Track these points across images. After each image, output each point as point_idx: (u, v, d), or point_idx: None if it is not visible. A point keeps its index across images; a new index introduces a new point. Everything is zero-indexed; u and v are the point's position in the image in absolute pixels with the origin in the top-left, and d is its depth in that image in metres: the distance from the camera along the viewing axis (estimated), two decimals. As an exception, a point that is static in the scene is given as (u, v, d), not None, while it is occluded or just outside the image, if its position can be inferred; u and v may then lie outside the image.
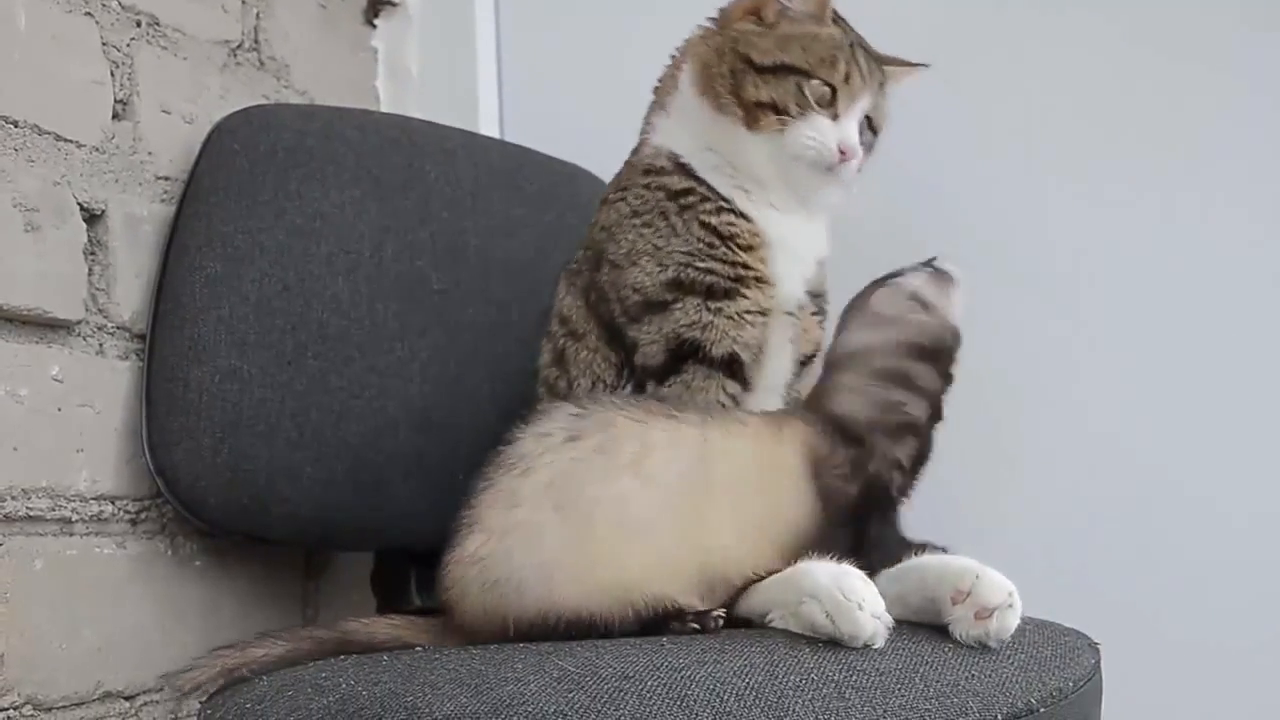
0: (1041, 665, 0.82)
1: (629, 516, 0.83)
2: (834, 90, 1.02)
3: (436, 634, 0.90)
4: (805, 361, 1.08)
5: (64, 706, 1.00)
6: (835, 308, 1.09)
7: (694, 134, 1.05)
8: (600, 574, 0.83)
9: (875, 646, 0.79)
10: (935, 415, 0.95)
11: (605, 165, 1.40)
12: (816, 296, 1.08)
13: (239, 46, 1.26)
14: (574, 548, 0.83)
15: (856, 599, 0.80)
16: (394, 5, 1.50)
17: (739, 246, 1.02)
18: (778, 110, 1.01)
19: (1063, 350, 1.26)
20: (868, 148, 1.07)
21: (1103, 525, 1.22)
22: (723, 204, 1.03)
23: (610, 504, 0.83)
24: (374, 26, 1.49)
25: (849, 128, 1.03)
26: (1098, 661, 0.87)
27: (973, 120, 1.31)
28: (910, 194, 1.32)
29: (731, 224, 1.02)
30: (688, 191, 1.03)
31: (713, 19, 1.08)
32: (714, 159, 1.04)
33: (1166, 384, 1.22)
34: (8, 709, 0.95)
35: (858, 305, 0.97)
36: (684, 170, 1.04)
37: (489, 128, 1.50)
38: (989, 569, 0.84)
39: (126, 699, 1.06)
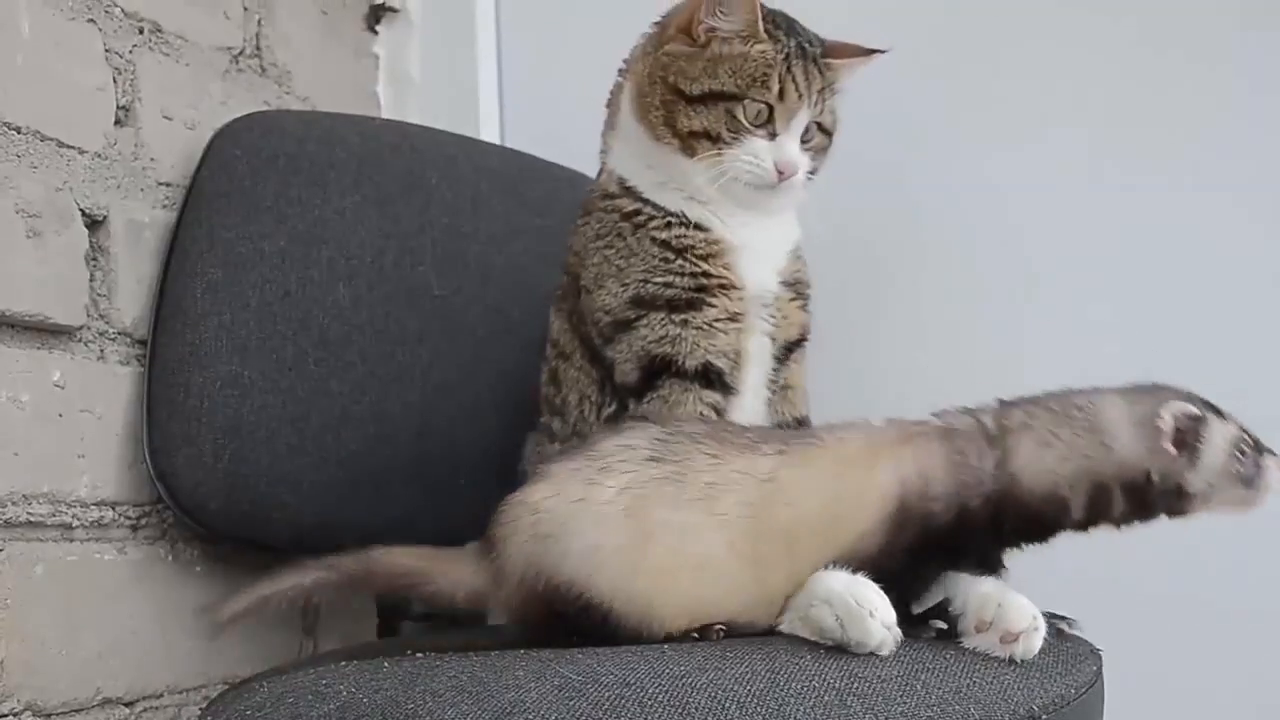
0: (1043, 672, 0.82)
1: (688, 549, 0.84)
2: (770, 108, 1.01)
3: (465, 566, 0.90)
4: (791, 348, 1.07)
5: (64, 712, 1.00)
6: (826, 295, 1.10)
7: (637, 155, 1.05)
8: (640, 585, 0.84)
9: (882, 655, 0.79)
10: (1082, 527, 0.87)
11: (606, 172, 1.41)
12: (794, 285, 1.07)
13: (241, 53, 1.26)
14: (628, 551, 0.84)
15: (869, 606, 0.80)
16: (395, 11, 1.50)
17: (697, 257, 1.02)
18: (712, 138, 1.01)
19: (1064, 350, 1.25)
20: (818, 151, 1.06)
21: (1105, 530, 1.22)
22: (672, 219, 1.03)
23: (674, 531, 0.84)
24: (375, 33, 1.49)
25: (787, 146, 1.02)
26: (1099, 668, 0.87)
27: (974, 118, 1.30)
28: (914, 192, 1.32)
29: (684, 237, 1.03)
30: (637, 212, 1.04)
31: (656, 24, 1.07)
32: (658, 176, 1.04)
33: (1162, 366, 1.21)
34: (7, 715, 0.95)
35: (1142, 401, 0.87)
36: (630, 193, 1.05)
37: (490, 134, 1.50)
38: (1010, 593, 0.84)
39: (126, 705, 1.06)
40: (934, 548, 0.84)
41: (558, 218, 1.34)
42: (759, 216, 1.05)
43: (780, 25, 1.04)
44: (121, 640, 1.05)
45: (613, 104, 1.10)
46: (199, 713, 0.88)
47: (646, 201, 1.04)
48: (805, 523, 0.84)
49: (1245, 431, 0.87)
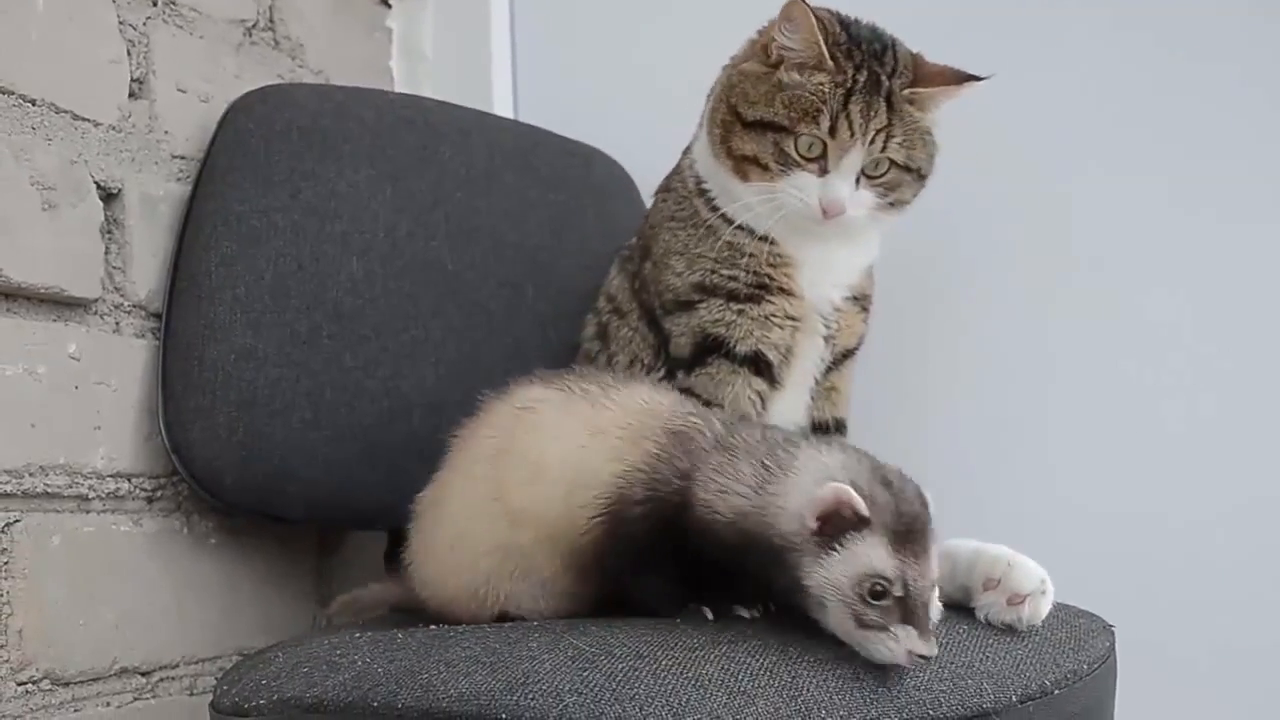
0: (1056, 647, 0.82)
1: (451, 485, 0.93)
2: (825, 144, 0.98)
3: None
4: (847, 354, 1.08)
5: (81, 681, 1.01)
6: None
7: (708, 163, 1.05)
8: (437, 539, 0.93)
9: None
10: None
11: (619, 146, 1.40)
12: (859, 299, 1.07)
13: (254, 26, 1.26)
14: (432, 516, 0.94)
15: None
16: (408, -15, 1.49)
17: (761, 262, 1.02)
18: (761, 166, 0.99)
19: (1077, 343, 1.25)
20: (891, 187, 1.00)
21: (1119, 509, 1.22)
22: (739, 228, 1.02)
23: (452, 477, 0.93)
24: (389, 6, 1.49)
25: (835, 184, 0.98)
26: (1112, 644, 0.87)
27: (977, 118, 1.28)
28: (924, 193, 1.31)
29: (749, 244, 1.02)
30: (708, 220, 1.04)
31: (762, 30, 1.04)
32: (724, 185, 1.04)
33: (1182, 373, 1.21)
34: (26, 683, 0.96)
35: (828, 468, 0.78)
36: (704, 196, 1.05)
37: (503, 108, 1.50)
38: (1021, 556, 0.84)
39: (143, 674, 1.07)
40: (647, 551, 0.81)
41: (571, 192, 1.34)
42: (825, 238, 1.03)
43: (854, 53, 0.99)
44: (138, 611, 1.06)
45: (709, 99, 1.07)
46: (215, 682, 0.88)
47: (716, 210, 1.04)
48: (553, 459, 0.85)
49: (909, 577, 0.73)
